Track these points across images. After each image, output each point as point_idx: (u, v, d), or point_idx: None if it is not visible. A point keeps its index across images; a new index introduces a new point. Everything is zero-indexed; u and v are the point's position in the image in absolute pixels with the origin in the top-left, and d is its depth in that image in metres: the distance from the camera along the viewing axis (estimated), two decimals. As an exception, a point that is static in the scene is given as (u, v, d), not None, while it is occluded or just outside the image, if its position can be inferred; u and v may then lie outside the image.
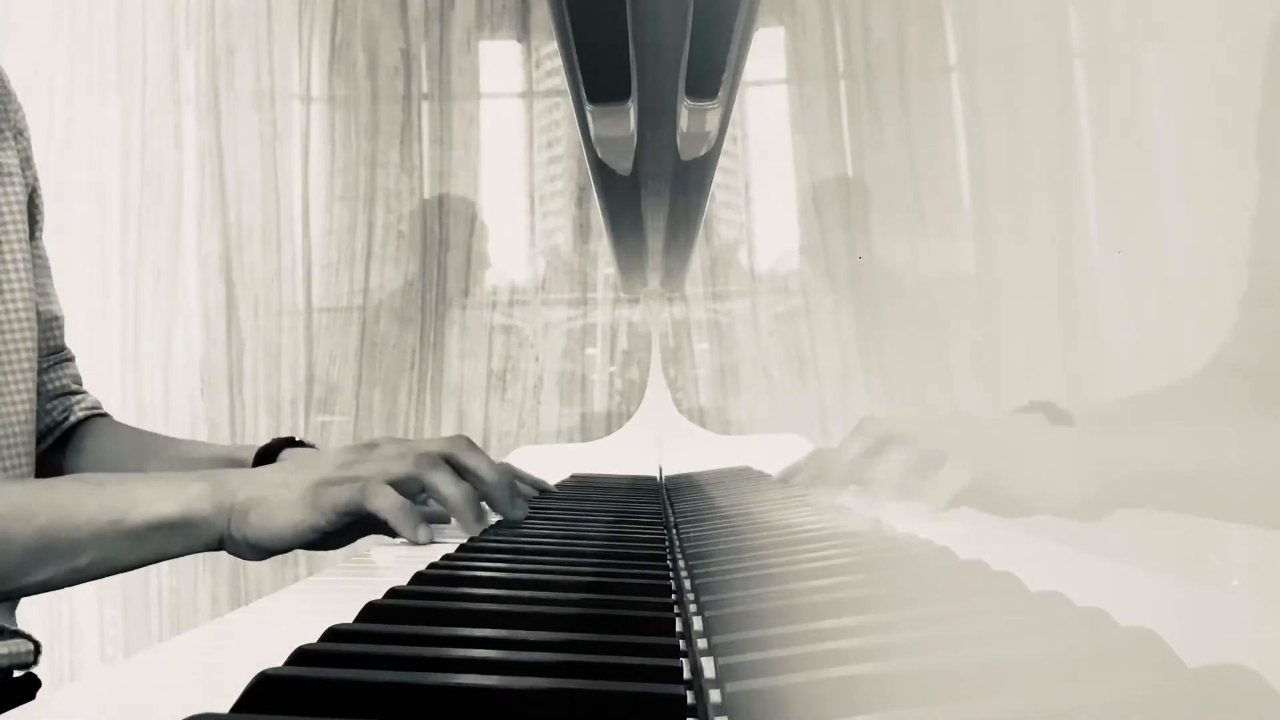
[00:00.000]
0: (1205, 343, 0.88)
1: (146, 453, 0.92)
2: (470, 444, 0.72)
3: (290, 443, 0.86)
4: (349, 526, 0.68)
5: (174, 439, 0.97)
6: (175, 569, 1.68)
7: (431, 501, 0.72)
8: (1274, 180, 0.79)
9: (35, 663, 0.80)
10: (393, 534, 0.68)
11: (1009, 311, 1.71)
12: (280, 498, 0.66)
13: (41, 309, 0.92)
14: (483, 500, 0.71)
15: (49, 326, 0.94)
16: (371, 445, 0.71)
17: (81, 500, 0.65)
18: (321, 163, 1.83)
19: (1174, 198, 1.63)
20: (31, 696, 0.80)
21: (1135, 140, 1.69)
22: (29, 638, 0.79)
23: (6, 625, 0.78)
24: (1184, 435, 0.68)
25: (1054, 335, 1.69)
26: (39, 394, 0.91)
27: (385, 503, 0.65)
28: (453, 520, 0.71)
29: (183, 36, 1.82)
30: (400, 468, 0.67)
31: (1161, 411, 0.81)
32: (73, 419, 0.94)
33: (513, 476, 0.80)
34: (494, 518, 0.72)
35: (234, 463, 0.85)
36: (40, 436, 0.93)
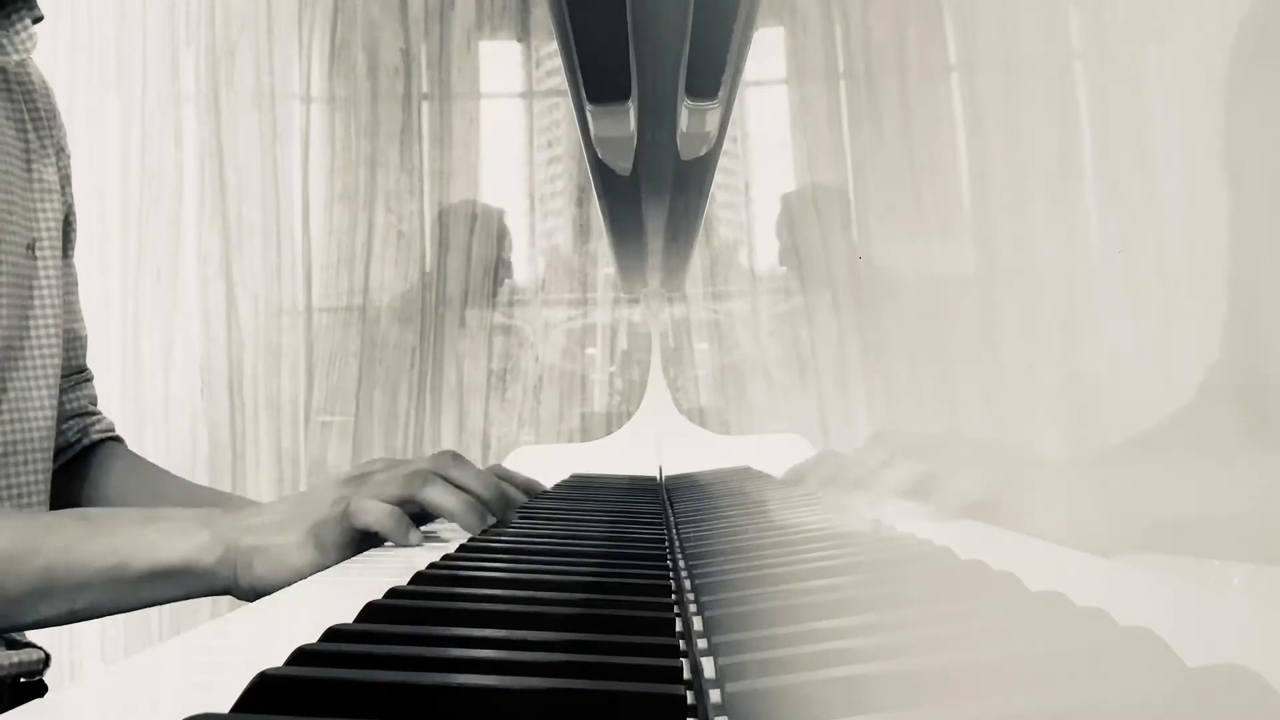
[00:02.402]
0: (1207, 348, 0.88)
1: (156, 496, 0.92)
2: (456, 458, 0.72)
3: None
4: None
5: (184, 483, 0.97)
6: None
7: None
8: (1260, 187, 0.79)
9: (44, 671, 0.80)
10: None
11: (1009, 312, 1.71)
12: (282, 545, 0.66)
13: (66, 327, 0.93)
14: None
15: (72, 345, 0.95)
16: (364, 475, 0.71)
17: (84, 543, 0.65)
18: (321, 163, 1.83)
19: (1175, 199, 1.63)
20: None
21: (1136, 141, 1.69)
22: (39, 648, 0.79)
23: (18, 636, 0.78)
24: (1192, 476, 0.68)
25: (1054, 335, 1.69)
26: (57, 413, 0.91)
27: (373, 516, 0.66)
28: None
29: (183, 36, 1.82)
30: (392, 491, 0.68)
31: (1167, 443, 0.81)
32: (87, 441, 0.95)
33: (501, 480, 0.80)
34: (493, 519, 0.72)
35: None
36: (54, 455, 0.93)
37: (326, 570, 0.64)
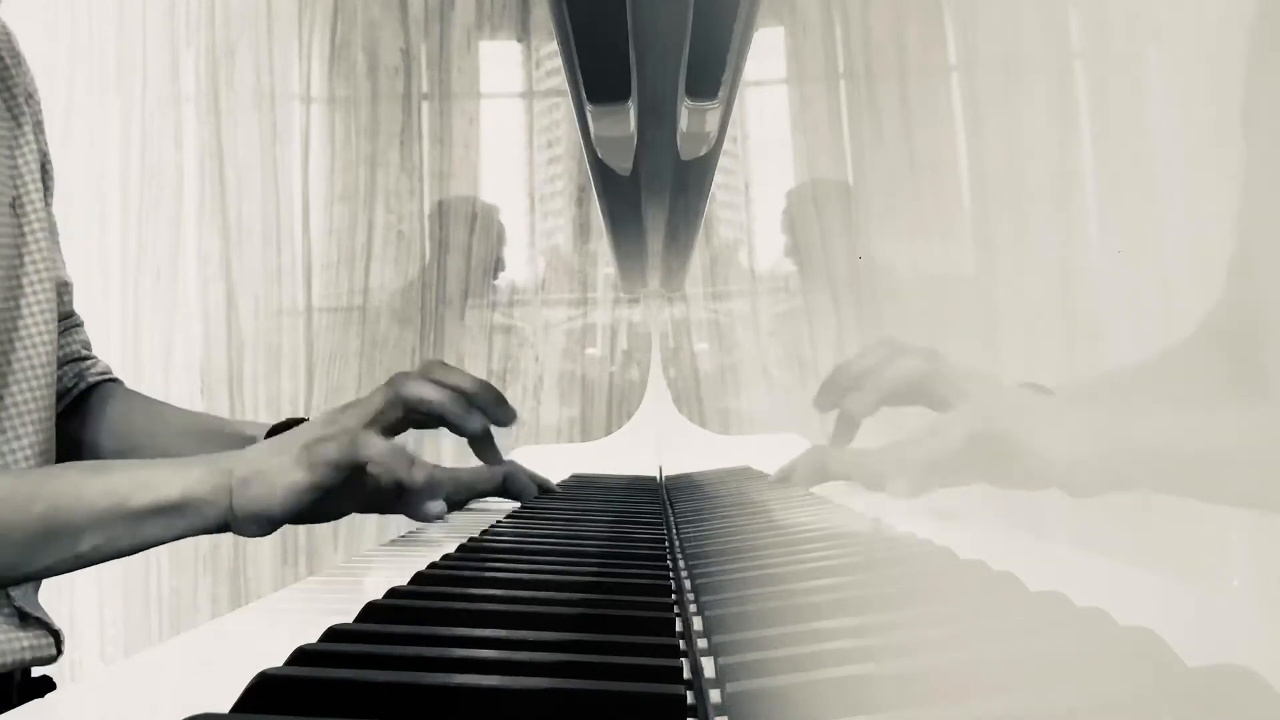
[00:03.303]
0: (1204, 351, 0.88)
1: (158, 423, 0.91)
2: (443, 364, 0.72)
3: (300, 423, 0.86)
4: (348, 487, 0.68)
5: (185, 410, 0.96)
6: (175, 569, 1.68)
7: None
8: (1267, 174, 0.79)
9: (57, 657, 0.79)
10: (386, 508, 0.68)
11: (1009, 311, 1.71)
12: (275, 465, 0.67)
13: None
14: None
15: (59, 292, 0.93)
16: (351, 403, 0.72)
17: (82, 486, 0.66)
18: (321, 163, 1.83)
19: (1175, 198, 1.63)
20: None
21: (1136, 140, 1.69)
22: (48, 626, 0.78)
23: (29, 610, 0.77)
24: (1179, 413, 0.68)
25: (1054, 335, 1.69)
26: None
27: (376, 449, 0.66)
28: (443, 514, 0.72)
29: (183, 36, 1.82)
30: (379, 399, 0.68)
31: (1154, 390, 0.82)
32: (84, 385, 0.93)
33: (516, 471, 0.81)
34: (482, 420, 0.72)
35: (245, 440, 0.84)
36: None
37: (325, 570, 0.64)
